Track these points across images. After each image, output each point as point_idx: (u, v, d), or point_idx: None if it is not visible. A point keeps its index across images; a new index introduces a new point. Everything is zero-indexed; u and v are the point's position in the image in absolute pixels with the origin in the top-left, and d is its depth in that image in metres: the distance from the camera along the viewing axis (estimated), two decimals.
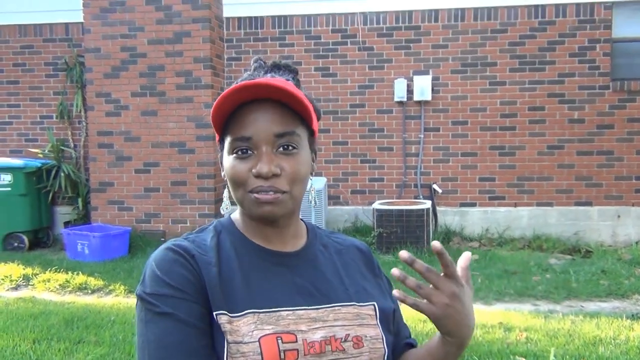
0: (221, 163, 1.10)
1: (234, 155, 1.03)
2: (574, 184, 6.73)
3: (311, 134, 1.09)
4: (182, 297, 0.97)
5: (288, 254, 1.08)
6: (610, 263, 5.54)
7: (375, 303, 1.09)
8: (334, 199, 7.07)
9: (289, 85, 1.04)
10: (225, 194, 1.14)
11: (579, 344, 3.52)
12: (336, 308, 1.04)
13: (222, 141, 1.08)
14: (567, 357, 3.31)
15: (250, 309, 0.98)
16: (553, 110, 6.74)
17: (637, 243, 6.33)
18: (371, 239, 6.11)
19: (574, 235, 6.57)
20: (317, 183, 6.40)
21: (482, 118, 6.86)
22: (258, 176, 1.00)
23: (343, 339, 1.01)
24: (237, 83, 1.02)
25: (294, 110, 1.04)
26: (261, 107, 1.02)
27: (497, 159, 6.85)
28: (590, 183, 6.71)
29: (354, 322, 1.04)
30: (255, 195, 1.01)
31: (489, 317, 4.10)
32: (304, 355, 0.97)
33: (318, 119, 1.12)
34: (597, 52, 6.66)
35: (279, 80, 1.05)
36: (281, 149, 1.02)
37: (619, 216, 6.62)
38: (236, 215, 1.14)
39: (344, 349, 1.01)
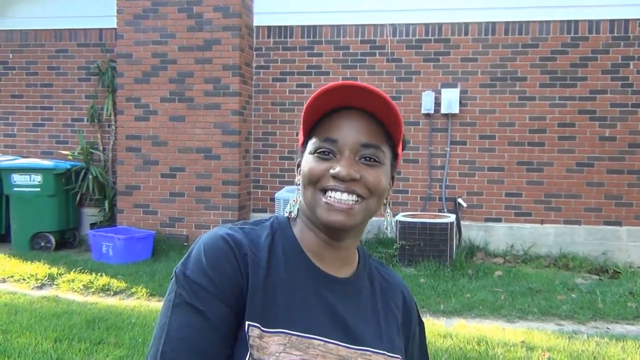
0: (297, 167, 1.07)
1: (316, 154, 1.01)
2: (603, 202, 6.59)
3: (394, 157, 1.06)
4: (217, 296, 0.94)
5: (338, 279, 1.04)
6: (639, 285, 5.39)
7: (401, 357, 1.06)
8: None
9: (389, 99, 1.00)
10: (293, 197, 1.10)
11: None
12: (367, 353, 1.00)
13: (305, 144, 1.06)
14: None
15: (285, 328, 0.94)
16: (583, 127, 6.63)
17: None
18: (393, 251, 6.06)
19: (602, 255, 6.42)
20: None
21: (510, 133, 6.77)
22: (335, 177, 0.98)
23: None
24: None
25: (384, 128, 1.01)
26: (354, 114, 1.00)
27: (524, 174, 6.75)
28: (619, 202, 6.56)
29: None
30: (329, 199, 0.98)
31: (511, 335, 4.02)
32: None
33: (403, 148, 1.10)
34: (630, 70, 6.53)
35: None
36: (363, 159, 1.00)
37: None
38: (296, 218, 1.08)
39: None
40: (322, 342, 0.96)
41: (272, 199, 6.53)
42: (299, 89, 7.21)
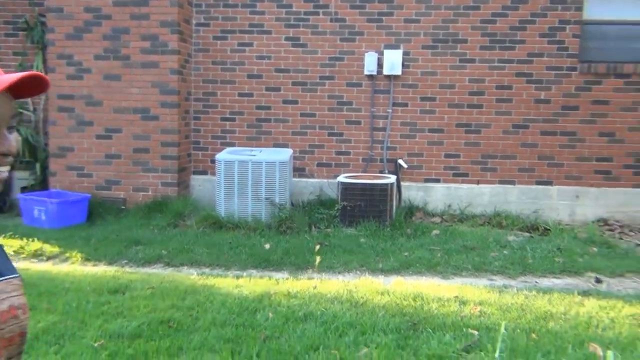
0: None
1: None
2: (536, 163, 6.83)
3: None
4: None
5: None
6: (567, 241, 5.66)
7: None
8: (299, 171, 7.03)
9: None
10: None
11: (531, 318, 3.59)
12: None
13: None
14: (518, 330, 3.38)
15: None
16: (520, 89, 6.79)
17: (592, 223, 6.48)
18: (335, 212, 6.11)
19: (534, 213, 6.69)
20: (283, 154, 6.35)
21: (450, 95, 6.87)
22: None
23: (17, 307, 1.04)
24: None
25: None
26: None
27: (463, 136, 6.89)
28: (551, 163, 6.82)
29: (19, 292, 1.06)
30: None
31: (445, 290, 4.15)
32: None
33: None
34: (566, 34, 6.70)
35: None
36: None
37: (577, 196, 6.76)
38: None
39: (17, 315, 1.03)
40: None
41: (213, 161, 6.43)
42: (240, 47, 7.04)
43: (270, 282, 4.29)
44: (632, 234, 6.25)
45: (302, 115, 7.05)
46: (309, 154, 7.07)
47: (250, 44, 7.02)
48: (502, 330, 2.81)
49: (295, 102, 7.03)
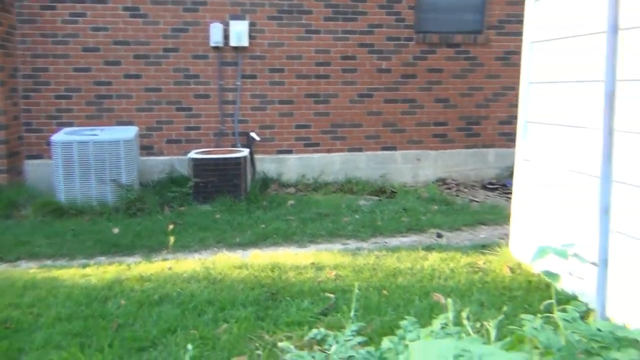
0: None
1: None
2: (381, 130, 7.18)
3: None
4: None
5: None
6: (411, 202, 6.06)
7: None
8: (147, 149, 6.71)
9: None
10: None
11: (381, 276, 3.80)
12: None
13: None
14: (371, 289, 3.55)
15: None
16: (363, 60, 7.04)
17: (433, 183, 7.00)
18: (188, 190, 5.93)
19: (381, 177, 7.06)
20: (127, 133, 6.00)
21: (298, 66, 6.93)
22: None
23: None
24: None
25: None
26: None
27: (312, 106, 7.02)
28: (395, 129, 7.21)
29: None
30: None
31: (302, 258, 4.24)
32: None
33: None
34: (402, 5, 7.04)
35: None
36: None
37: (419, 159, 7.24)
38: None
39: None
40: None
41: (49, 143, 5.88)
42: (72, 18, 6.47)
43: (121, 268, 4.07)
44: (467, 190, 6.86)
45: (146, 90, 6.70)
46: (156, 130, 6.76)
47: (84, 14, 6.47)
48: (356, 290, 2.92)
49: (139, 77, 6.66)
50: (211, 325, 3.08)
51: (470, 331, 2.21)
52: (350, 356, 2.15)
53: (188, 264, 4.14)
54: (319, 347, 2.74)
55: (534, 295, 3.39)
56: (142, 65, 6.64)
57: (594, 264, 2.09)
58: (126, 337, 2.93)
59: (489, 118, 7.36)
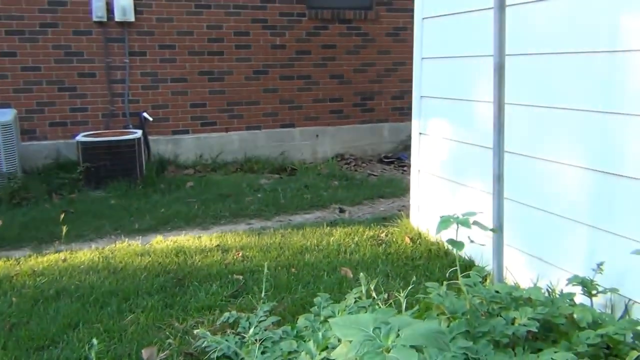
0: None
1: None
2: (279, 107, 7.16)
3: None
4: None
5: None
6: (312, 178, 6.13)
7: None
8: (29, 134, 6.21)
9: None
10: None
11: (289, 254, 3.82)
12: None
13: None
14: (279, 268, 3.56)
15: None
16: (257, 35, 6.94)
17: (332, 159, 7.12)
18: (78, 175, 5.59)
19: (280, 155, 7.06)
20: (4, 116, 5.51)
21: (189, 42, 6.70)
22: None
23: None
24: None
25: None
26: None
27: (207, 84, 6.83)
28: (292, 106, 7.21)
29: None
30: None
31: (207, 241, 4.16)
32: None
33: None
34: None
35: None
36: None
37: (317, 135, 7.31)
38: None
39: None
40: None
41: None
42: None
43: (9, 264, 3.76)
44: (364, 165, 7.05)
45: (23, 69, 6.16)
46: (38, 113, 6.26)
47: None
48: (265, 270, 2.92)
49: (13, 55, 6.11)
50: (116, 317, 2.94)
51: (381, 303, 2.29)
52: (268, 337, 2.15)
53: (84, 254, 3.91)
54: (232, 330, 2.72)
55: (435, 263, 3.57)
56: (17, 42, 6.10)
57: (493, 230, 2.23)
58: (22, 337, 2.73)
59: (382, 93, 7.57)
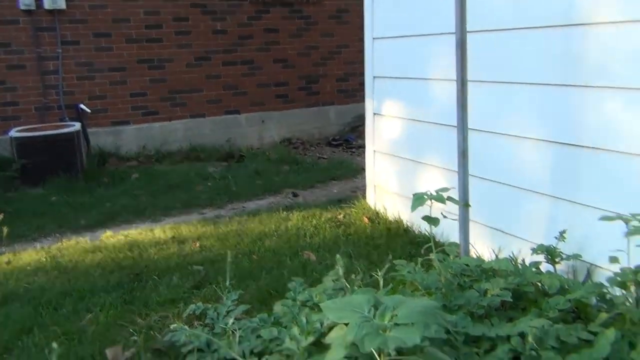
0: None
1: None
2: (223, 93, 6.99)
3: None
4: None
5: None
6: (261, 164, 6.03)
7: None
8: None
9: None
10: None
11: (248, 241, 3.74)
12: None
13: None
14: (240, 255, 3.48)
15: None
16: (197, 21, 6.74)
17: (279, 143, 7.04)
18: (13, 173, 5.27)
19: (227, 142, 6.92)
20: None
21: (126, 30, 6.42)
22: None
23: None
24: None
25: None
26: None
27: (147, 72, 6.58)
28: (236, 92, 7.07)
29: None
30: None
31: (161, 233, 4.02)
32: None
33: None
34: None
35: None
36: None
37: (263, 121, 7.21)
38: None
39: None
40: None
41: None
42: None
43: None
44: (313, 148, 7.01)
45: None
46: None
47: None
48: (229, 259, 2.84)
49: None
50: (73, 318, 2.79)
51: (359, 283, 2.26)
52: (245, 326, 2.08)
53: (30, 255, 3.70)
54: (200, 322, 2.63)
55: (395, 241, 3.58)
56: None
57: (466, 204, 2.24)
58: None
59: (326, 76, 7.53)
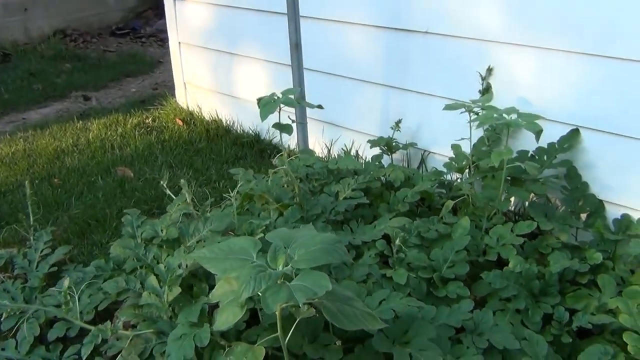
0: None
1: None
2: None
3: None
4: None
5: None
6: (36, 63, 5.10)
7: None
8: None
9: None
10: None
11: (43, 162, 3.16)
12: None
13: None
14: (37, 181, 2.92)
15: None
16: None
17: (52, 36, 5.97)
18: None
19: None
20: None
21: None
22: None
23: None
24: None
25: None
26: None
27: None
28: None
29: None
30: None
31: None
32: None
33: None
34: None
35: None
36: None
37: (26, 9, 5.99)
38: None
39: None
40: None
41: None
42: None
43: None
44: (95, 40, 6.10)
45: None
46: None
47: None
48: (27, 188, 2.33)
49: None
50: None
51: (209, 208, 2.01)
52: (80, 279, 1.72)
53: None
54: (8, 274, 2.18)
55: (218, 143, 3.31)
56: None
57: (319, 106, 2.03)
58: None
59: None
